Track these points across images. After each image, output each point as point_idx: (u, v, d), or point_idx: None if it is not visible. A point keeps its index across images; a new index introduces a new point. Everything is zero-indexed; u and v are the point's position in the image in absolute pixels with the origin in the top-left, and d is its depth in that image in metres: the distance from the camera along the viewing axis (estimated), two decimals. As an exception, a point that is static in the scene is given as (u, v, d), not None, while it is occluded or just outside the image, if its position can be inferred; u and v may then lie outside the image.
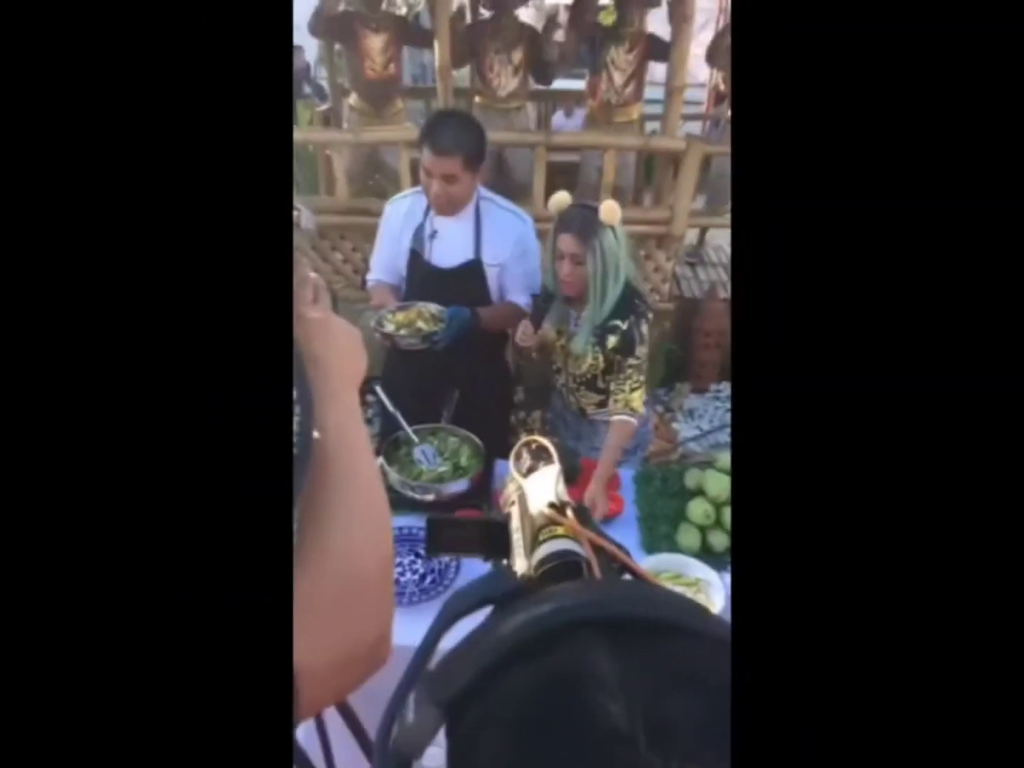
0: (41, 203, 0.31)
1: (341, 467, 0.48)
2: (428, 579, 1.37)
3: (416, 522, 1.47)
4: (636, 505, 1.59)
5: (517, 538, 0.53)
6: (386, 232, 1.78)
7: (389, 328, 1.58)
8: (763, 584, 0.33)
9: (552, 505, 0.51)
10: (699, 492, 1.54)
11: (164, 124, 0.33)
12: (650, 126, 3.90)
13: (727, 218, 3.23)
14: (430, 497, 1.46)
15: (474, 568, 1.37)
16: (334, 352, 0.52)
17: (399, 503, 1.47)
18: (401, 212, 1.73)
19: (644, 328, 1.53)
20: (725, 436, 2.84)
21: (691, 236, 3.53)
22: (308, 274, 0.55)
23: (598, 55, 3.15)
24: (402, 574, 1.38)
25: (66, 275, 0.32)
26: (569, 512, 0.50)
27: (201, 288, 0.34)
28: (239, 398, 0.35)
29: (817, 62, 0.36)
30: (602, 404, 1.69)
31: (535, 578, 0.46)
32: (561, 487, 0.55)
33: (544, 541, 0.48)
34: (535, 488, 0.56)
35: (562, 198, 1.51)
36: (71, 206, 0.32)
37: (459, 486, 1.47)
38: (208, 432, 0.34)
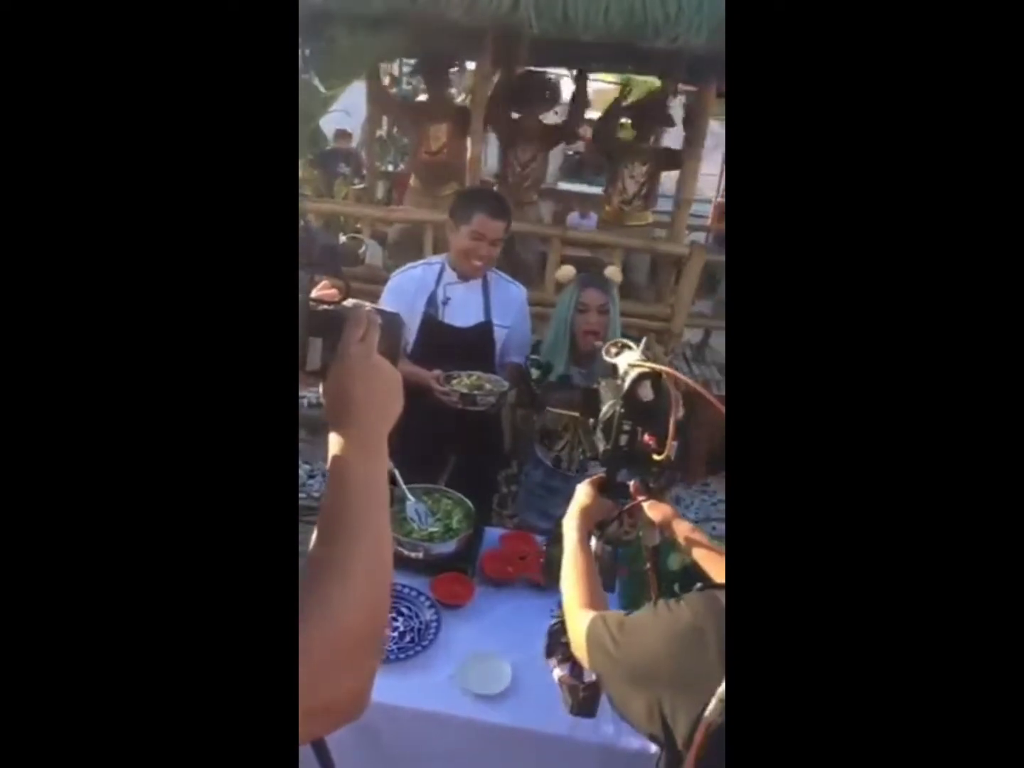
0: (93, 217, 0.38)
1: (357, 521, 0.47)
2: (407, 638, 1.38)
3: (399, 579, 1.49)
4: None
5: (610, 402, 0.96)
6: (396, 300, 1.86)
7: (463, 390, 1.71)
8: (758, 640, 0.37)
9: (635, 363, 0.92)
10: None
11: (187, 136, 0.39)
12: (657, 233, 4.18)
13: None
14: (418, 555, 1.49)
15: (453, 629, 1.39)
16: (372, 394, 0.51)
17: (387, 558, 1.51)
18: (414, 281, 1.87)
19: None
20: (708, 529, 2.87)
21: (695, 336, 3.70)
22: (361, 311, 0.53)
23: (616, 165, 3.45)
24: (381, 630, 1.40)
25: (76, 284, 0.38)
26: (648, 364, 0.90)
27: (209, 303, 0.39)
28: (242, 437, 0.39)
29: (805, 174, 0.39)
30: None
31: (625, 388, 0.90)
32: (640, 356, 0.94)
33: (632, 371, 0.90)
34: (622, 361, 0.96)
35: (569, 270, 1.84)
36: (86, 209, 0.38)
37: (447, 547, 1.50)
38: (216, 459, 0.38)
